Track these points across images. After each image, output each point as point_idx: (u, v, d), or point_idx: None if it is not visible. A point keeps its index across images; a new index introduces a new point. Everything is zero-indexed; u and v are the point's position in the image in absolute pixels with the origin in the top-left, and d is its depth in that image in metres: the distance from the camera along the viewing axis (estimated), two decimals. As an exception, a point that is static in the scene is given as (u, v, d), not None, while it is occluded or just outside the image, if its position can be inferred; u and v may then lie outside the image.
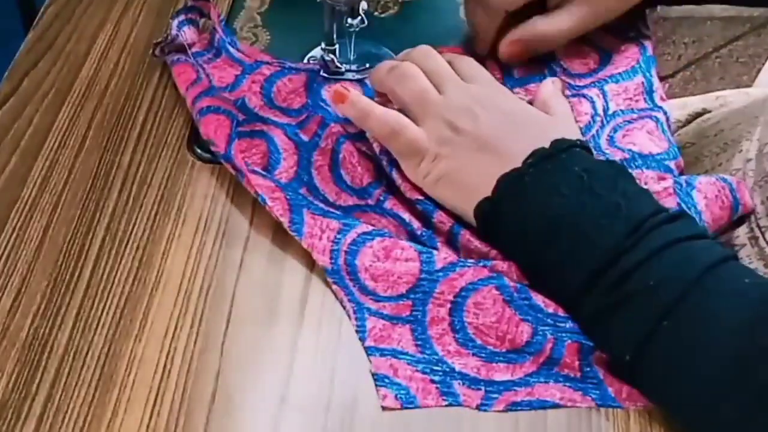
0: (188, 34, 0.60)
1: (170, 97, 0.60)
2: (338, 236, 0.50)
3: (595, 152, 0.52)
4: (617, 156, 0.53)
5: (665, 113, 0.57)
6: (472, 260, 0.49)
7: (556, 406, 0.46)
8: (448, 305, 0.48)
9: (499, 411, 0.45)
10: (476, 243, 0.50)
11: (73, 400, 0.45)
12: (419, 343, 0.47)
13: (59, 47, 0.64)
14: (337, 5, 0.57)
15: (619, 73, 0.59)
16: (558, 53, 0.61)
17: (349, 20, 0.58)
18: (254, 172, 0.52)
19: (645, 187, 0.49)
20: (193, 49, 0.60)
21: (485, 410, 0.45)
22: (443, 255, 0.49)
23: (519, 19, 0.58)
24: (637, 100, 0.58)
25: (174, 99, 0.60)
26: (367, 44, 0.61)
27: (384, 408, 0.45)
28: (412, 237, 0.51)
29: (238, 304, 0.49)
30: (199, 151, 0.57)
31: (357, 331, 0.48)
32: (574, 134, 0.52)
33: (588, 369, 0.46)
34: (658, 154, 0.53)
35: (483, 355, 0.47)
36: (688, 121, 0.72)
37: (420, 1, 0.67)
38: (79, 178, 0.55)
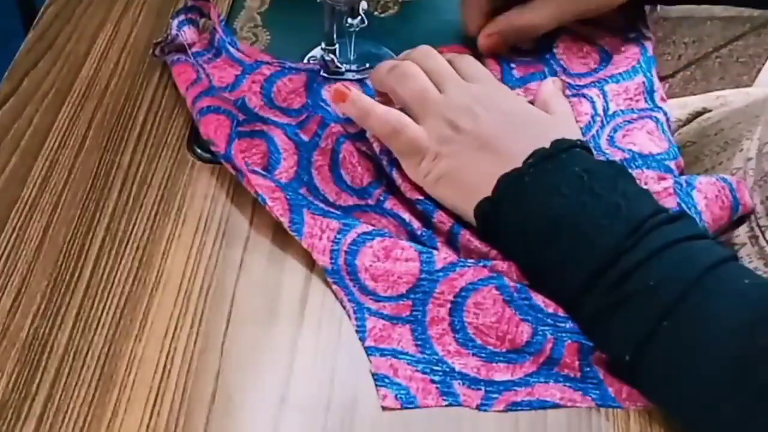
0: (188, 34, 0.60)
1: (170, 97, 0.60)
2: (338, 236, 0.50)
3: (595, 152, 0.52)
4: (617, 156, 0.53)
5: (665, 114, 0.57)
6: (472, 260, 0.49)
7: (556, 406, 0.46)
8: (448, 305, 0.48)
9: (499, 411, 0.45)
10: (476, 243, 0.50)
11: (73, 400, 0.45)
12: (419, 343, 0.47)
13: (59, 47, 0.64)
14: (337, 5, 0.57)
15: (620, 73, 0.59)
16: (558, 53, 0.61)
17: (349, 20, 0.58)
18: (254, 172, 0.52)
19: (645, 187, 0.49)
20: (193, 49, 0.60)
21: (485, 410, 0.45)
22: (443, 255, 0.49)
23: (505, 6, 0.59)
24: (637, 101, 0.58)
25: (174, 99, 0.60)
26: (367, 44, 0.61)
27: (384, 408, 0.45)
28: (412, 237, 0.51)
29: (238, 304, 0.49)
30: (199, 151, 0.57)
31: (357, 331, 0.48)
32: (574, 134, 0.52)
33: (588, 369, 0.46)
34: (658, 154, 0.53)
35: (483, 355, 0.47)
36: (689, 121, 0.72)
37: (420, 1, 0.67)
38: (79, 178, 0.55)
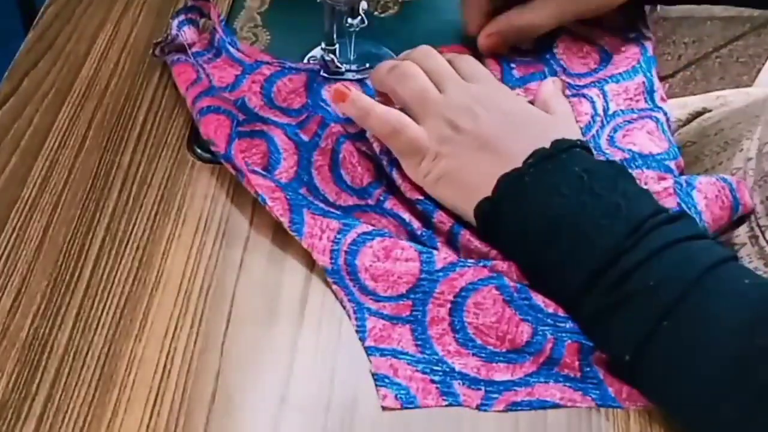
0: (188, 34, 0.60)
1: (170, 97, 0.60)
2: (338, 236, 0.50)
3: (595, 152, 0.52)
4: (617, 156, 0.53)
5: (665, 114, 0.57)
6: (472, 260, 0.49)
7: (556, 406, 0.46)
8: (448, 305, 0.48)
9: (499, 411, 0.45)
10: (476, 243, 0.50)
11: (73, 400, 0.45)
12: (419, 343, 0.47)
13: (59, 47, 0.64)
14: (337, 5, 0.57)
15: (620, 73, 0.59)
16: (558, 53, 0.61)
17: (349, 20, 0.58)
18: (254, 172, 0.52)
19: (645, 187, 0.49)
20: (193, 49, 0.60)
21: (485, 410, 0.45)
22: (443, 255, 0.49)
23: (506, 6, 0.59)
24: (637, 100, 0.58)
25: (174, 99, 0.60)
26: (367, 44, 0.61)
27: (384, 408, 0.45)
28: (412, 237, 0.51)
29: (238, 304, 0.49)
30: (199, 151, 0.57)
31: (357, 331, 0.48)
32: (574, 134, 0.52)
33: (588, 369, 0.46)
34: (659, 154, 0.53)
35: (483, 355, 0.47)
36: (689, 121, 0.72)
37: (420, 1, 0.67)
38: (79, 178, 0.55)
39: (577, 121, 0.55)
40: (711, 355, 0.42)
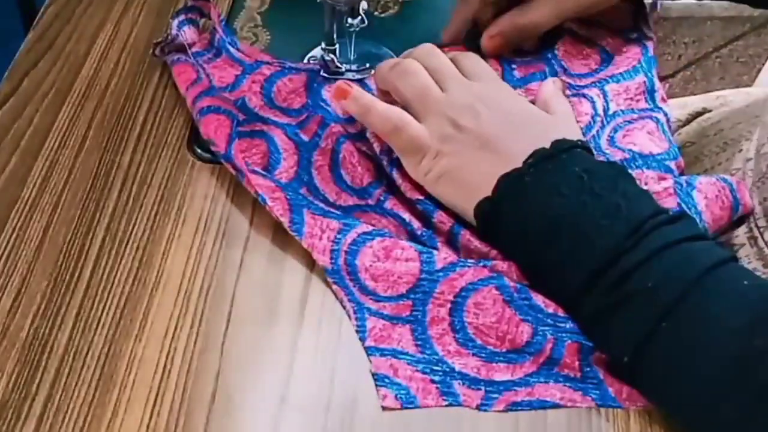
0: (188, 34, 0.60)
1: (170, 97, 0.60)
2: (338, 236, 0.50)
3: (595, 152, 0.52)
4: (617, 156, 0.53)
5: (666, 114, 0.57)
6: (472, 260, 0.49)
7: (556, 406, 0.46)
8: (448, 305, 0.48)
9: (499, 411, 0.45)
10: (476, 243, 0.50)
11: (73, 400, 0.45)
12: (419, 343, 0.47)
13: (59, 47, 0.64)
14: (337, 5, 0.57)
15: (620, 73, 0.59)
16: (559, 53, 0.61)
17: (349, 20, 0.58)
18: (254, 172, 0.52)
19: (645, 187, 0.49)
20: (193, 49, 0.60)
21: (485, 410, 0.45)
22: (443, 255, 0.49)
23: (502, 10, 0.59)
24: (638, 101, 0.58)
25: (174, 99, 0.60)
26: (367, 44, 0.61)
27: (384, 408, 0.45)
28: (413, 237, 0.51)
29: (238, 304, 0.49)
30: (199, 151, 0.57)
31: (357, 331, 0.48)
32: (574, 134, 0.52)
33: (588, 369, 0.46)
34: (659, 154, 0.53)
35: (483, 355, 0.47)
36: (689, 121, 0.72)
37: (420, 1, 0.67)
38: (79, 178, 0.55)
39: (577, 121, 0.55)
40: (711, 355, 0.42)
